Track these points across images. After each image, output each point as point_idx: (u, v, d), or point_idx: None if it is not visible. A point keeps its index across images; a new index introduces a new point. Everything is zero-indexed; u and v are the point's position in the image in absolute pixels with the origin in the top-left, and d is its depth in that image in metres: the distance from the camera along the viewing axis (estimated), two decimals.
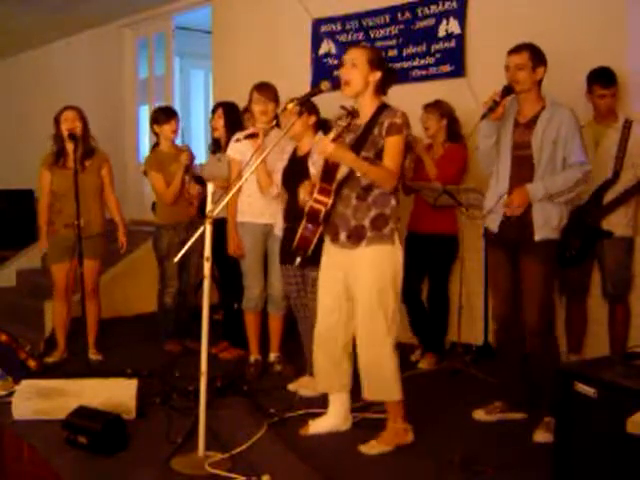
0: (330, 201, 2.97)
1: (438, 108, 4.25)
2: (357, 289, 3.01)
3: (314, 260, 3.17)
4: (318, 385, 3.31)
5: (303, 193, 3.09)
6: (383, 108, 3.00)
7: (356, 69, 2.96)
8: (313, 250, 3.09)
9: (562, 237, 3.25)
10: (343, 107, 3.06)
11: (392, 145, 2.93)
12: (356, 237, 2.99)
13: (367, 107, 3.01)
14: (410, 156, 4.19)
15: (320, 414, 3.29)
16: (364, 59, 2.96)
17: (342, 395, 3.22)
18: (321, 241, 3.11)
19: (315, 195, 2.98)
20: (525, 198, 3.15)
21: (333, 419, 3.23)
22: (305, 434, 3.18)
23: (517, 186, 3.17)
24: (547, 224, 3.17)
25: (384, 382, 3.02)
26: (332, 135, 2.89)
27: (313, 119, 3.75)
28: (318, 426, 3.21)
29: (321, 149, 2.89)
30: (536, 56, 3.16)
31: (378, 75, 2.99)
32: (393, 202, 3.02)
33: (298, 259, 3.14)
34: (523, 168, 3.19)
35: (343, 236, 3.02)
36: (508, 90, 3.17)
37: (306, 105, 3.66)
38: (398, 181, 3.01)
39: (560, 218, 3.20)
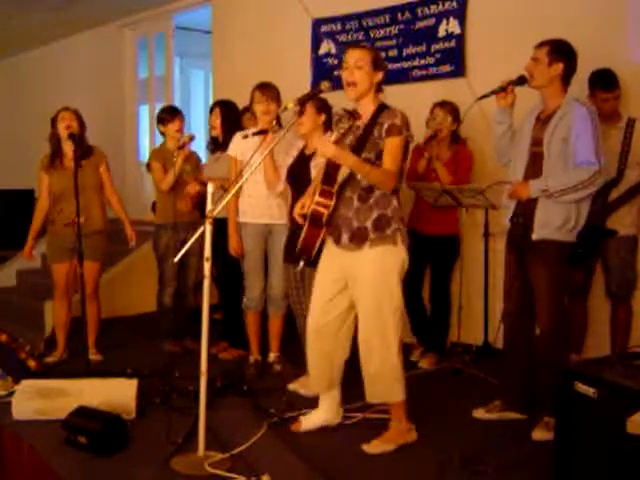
0: (332, 203, 2.97)
1: (451, 109, 4.24)
2: (358, 291, 3.00)
3: (315, 262, 3.16)
4: (311, 385, 3.31)
5: (299, 208, 3.07)
6: (382, 108, 2.99)
7: (361, 70, 2.94)
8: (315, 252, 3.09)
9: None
10: (345, 110, 3.06)
11: (392, 146, 2.93)
12: (359, 238, 2.98)
13: (368, 108, 3.01)
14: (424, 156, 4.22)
15: None
16: (368, 60, 2.95)
17: (333, 390, 3.22)
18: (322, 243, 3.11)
19: (317, 198, 2.97)
20: (523, 191, 3.14)
21: (324, 414, 3.23)
22: (297, 430, 3.18)
23: None
24: (548, 224, 3.12)
25: (390, 384, 3.01)
26: (334, 137, 2.89)
27: (323, 118, 3.74)
28: (310, 422, 3.21)
29: (322, 151, 2.88)
30: (555, 51, 3.10)
31: (380, 75, 3.00)
32: (395, 203, 3.01)
33: (301, 263, 3.11)
34: (537, 164, 3.16)
35: (345, 238, 3.01)
36: (520, 80, 3.14)
37: (317, 103, 3.67)
38: (398, 182, 3.00)
39: (565, 219, 3.11)
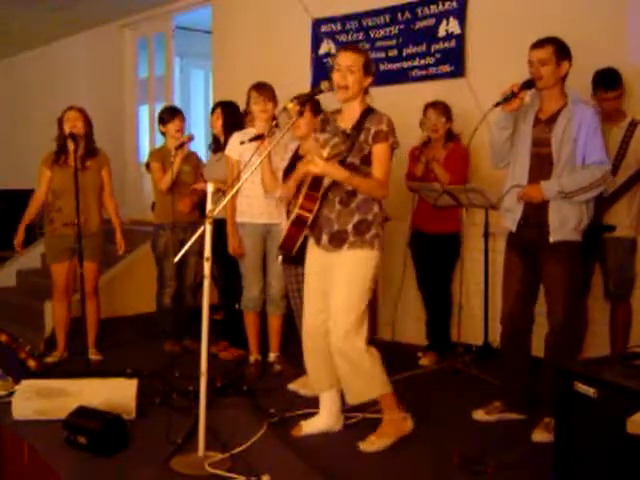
0: (316, 208, 3.01)
1: (443, 109, 4.24)
2: (332, 289, 3.03)
3: (299, 259, 3.21)
4: (312, 385, 3.30)
5: (285, 189, 3.14)
6: (368, 112, 3.01)
7: (353, 75, 2.96)
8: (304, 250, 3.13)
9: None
10: (329, 112, 3.09)
11: (380, 153, 2.97)
12: (338, 241, 3.02)
13: (354, 111, 3.04)
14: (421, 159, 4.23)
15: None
16: (360, 64, 2.97)
17: (333, 394, 3.21)
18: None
19: (302, 202, 3.01)
20: (538, 194, 3.11)
21: (325, 419, 3.22)
22: (297, 435, 3.17)
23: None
24: (564, 226, 3.12)
25: (363, 381, 3.01)
26: (325, 153, 2.90)
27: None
28: (311, 427, 3.20)
29: (313, 167, 2.89)
30: (560, 50, 3.09)
31: (369, 80, 3.03)
32: (376, 209, 3.04)
33: (280, 257, 3.25)
34: (542, 166, 3.14)
35: (325, 239, 3.05)
36: (529, 84, 3.11)
37: (313, 106, 3.68)
38: (387, 189, 3.03)
39: (579, 219, 3.13)
